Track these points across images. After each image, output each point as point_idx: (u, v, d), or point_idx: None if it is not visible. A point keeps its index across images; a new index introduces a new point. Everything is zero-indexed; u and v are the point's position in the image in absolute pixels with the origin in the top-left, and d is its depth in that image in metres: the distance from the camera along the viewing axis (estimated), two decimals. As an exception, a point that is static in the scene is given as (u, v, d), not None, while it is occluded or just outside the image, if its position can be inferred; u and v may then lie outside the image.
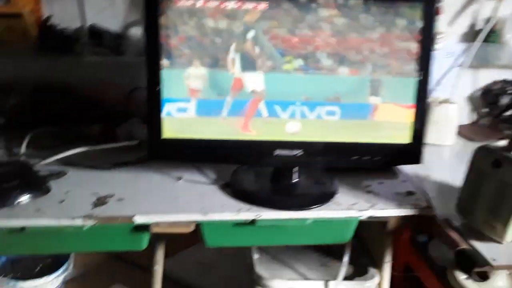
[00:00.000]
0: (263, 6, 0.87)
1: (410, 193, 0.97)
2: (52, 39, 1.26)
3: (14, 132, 1.13)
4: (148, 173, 1.01)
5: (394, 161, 0.97)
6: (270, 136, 0.92)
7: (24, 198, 0.88)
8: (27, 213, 0.85)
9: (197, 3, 0.87)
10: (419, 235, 1.08)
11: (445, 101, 1.27)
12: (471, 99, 1.42)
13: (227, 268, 1.43)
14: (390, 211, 0.91)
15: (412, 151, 0.94)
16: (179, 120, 0.91)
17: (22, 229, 0.85)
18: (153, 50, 0.88)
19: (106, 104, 1.27)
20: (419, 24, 0.90)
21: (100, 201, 0.90)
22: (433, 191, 0.99)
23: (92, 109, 1.24)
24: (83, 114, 1.21)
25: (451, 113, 1.25)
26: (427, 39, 0.91)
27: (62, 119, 1.19)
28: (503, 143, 0.83)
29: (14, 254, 1.25)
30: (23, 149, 1.07)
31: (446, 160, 1.20)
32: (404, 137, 0.93)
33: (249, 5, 0.87)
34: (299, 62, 0.89)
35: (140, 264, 1.35)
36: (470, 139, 1.30)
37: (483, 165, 0.83)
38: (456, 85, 1.33)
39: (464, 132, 1.32)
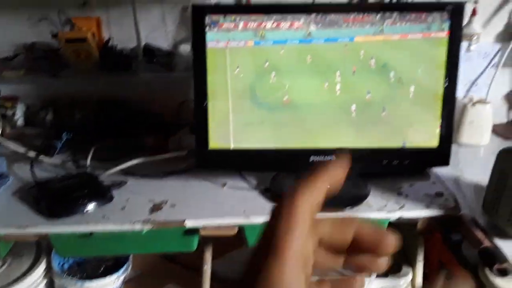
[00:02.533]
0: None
1: (439, 194, 1.03)
2: (112, 59, 1.40)
3: (80, 145, 1.28)
4: (196, 180, 1.13)
5: (423, 164, 1.03)
6: (305, 144, 1.01)
7: (91, 206, 1.02)
8: (95, 220, 0.98)
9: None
10: (452, 234, 1.12)
11: (480, 101, 1.30)
12: (508, 98, 1.43)
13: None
14: (419, 212, 0.98)
15: (440, 154, 1.00)
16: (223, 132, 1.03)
17: (91, 234, 0.98)
18: (200, 68, 0.99)
19: (160, 116, 1.40)
20: (446, 29, 0.95)
21: (156, 207, 1.02)
22: (464, 191, 1.04)
23: (147, 122, 1.37)
24: (139, 127, 1.35)
25: (486, 113, 1.28)
26: (454, 46, 0.96)
27: (121, 132, 1.33)
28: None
29: (83, 256, 1.37)
30: (88, 161, 1.22)
31: (481, 160, 1.23)
32: (431, 141, 0.99)
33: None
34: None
35: (190, 265, 1.43)
36: (506, 138, 1.32)
37: (506, 165, 0.88)
38: (492, 85, 1.35)
39: (500, 131, 1.34)
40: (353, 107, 0.99)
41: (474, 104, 1.28)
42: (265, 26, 0.97)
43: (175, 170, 1.17)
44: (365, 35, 0.96)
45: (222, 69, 0.99)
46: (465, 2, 1.14)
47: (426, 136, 0.99)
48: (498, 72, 1.34)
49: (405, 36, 0.95)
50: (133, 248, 1.07)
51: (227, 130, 1.02)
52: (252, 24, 0.97)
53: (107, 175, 1.16)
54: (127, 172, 1.17)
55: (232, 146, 1.03)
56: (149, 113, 1.41)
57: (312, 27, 0.97)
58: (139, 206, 1.02)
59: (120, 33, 1.41)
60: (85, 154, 1.24)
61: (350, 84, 0.98)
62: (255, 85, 1.00)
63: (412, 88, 0.97)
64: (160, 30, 1.42)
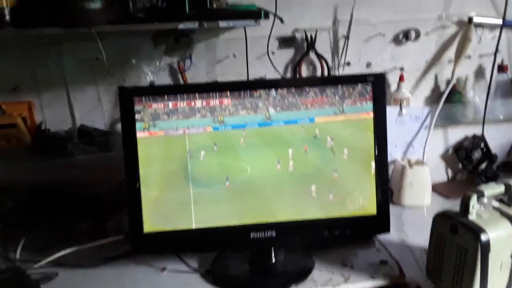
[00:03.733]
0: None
1: (383, 262, 1.01)
2: (46, 142, 1.34)
3: (11, 235, 1.19)
4: (134, 266, 1.06)
5: (363, 232, 1.01)
6: (243, 221, 0.98)
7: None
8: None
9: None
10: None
11: (418, 162, 1.33)
12: (444, 157, 1.47)
13: None
14: (364, 284, 0.95)
15: (379, 221, 0.99)
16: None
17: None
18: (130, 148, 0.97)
19: (97, 200, 1.34)
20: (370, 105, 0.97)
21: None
22: (408, 257, 1.02)
23: (84, 206, 1.30)
24: (75, 212, 1.28)
25: (424, 174, 1.30)
26: (379, 117, 0.98)
27: (56, 219, 1.25)
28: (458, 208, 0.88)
29: None
30: (18, 254, 1.13)
31: (424, 221, 1.23)
32: (369, 208, 0.98)
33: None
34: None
35: None
36: (446, 197, 1.34)
37: (442, 231, 0.88)
38: (427, 146, 1.38)
39: (441, 190, 1.37)
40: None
41: (411, 165, 1.31)
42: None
43: (109, 257, 1.10)
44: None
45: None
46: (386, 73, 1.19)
47: (365, 203, 0.98)
48: (430, 133, 1.39)
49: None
50: None
51: (162, 211, 0.98)
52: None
53: (38, 268, 1.08)
54: (59, 263, 1.09)
55: (168, 228, 0.99)
56: (85, 197, 1.35)
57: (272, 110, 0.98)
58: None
59: (54, 115, 1.37)
60: (15, 245, 1.16)
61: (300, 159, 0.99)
62: (190, 165, 0.98)
63: (346, 155, 0.98)
64: (96, 110, 1.40)
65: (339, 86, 0.97)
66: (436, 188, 1.36)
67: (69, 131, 1.38)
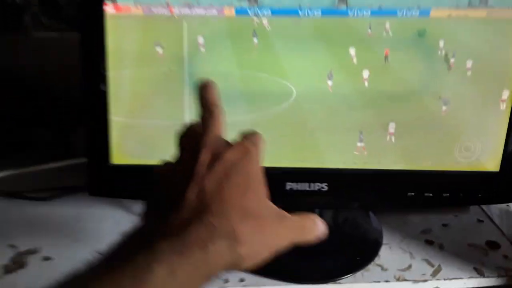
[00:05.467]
0: None
1: (492, 245, 0.63)
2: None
3: None
4: (100, 207, 0.70)
5: (471, 198, 0.62)
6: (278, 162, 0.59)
7: None
8: None
9: None
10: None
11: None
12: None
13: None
14: (463, 282, 0.58)
15: (501, 184, 0.59)
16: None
17: None
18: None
19: (62, 100, 0.95)
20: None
21: (16, 263, 0.59)
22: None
23: (41, 106, 0.92)
24: (27, 114, 0.90)
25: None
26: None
27: (6, 119, 0.88)
28: None
29: None
30: None
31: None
32: (488, 163, 0.59)
33: None
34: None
35: None
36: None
37: None
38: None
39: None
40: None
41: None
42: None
43: (66, 187, 0.73)
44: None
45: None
46: None
47: (483, 154, 0.58)
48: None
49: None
50: None
51: (142, 134, 0.59)
52: None
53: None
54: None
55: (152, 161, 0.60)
56: (45, 93, 0.95)
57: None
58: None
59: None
60: None
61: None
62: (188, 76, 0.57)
63: (470, 73, 0.56)
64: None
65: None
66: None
67: (27, -4, 0.96)
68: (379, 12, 0.54)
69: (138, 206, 0.68)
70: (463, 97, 0.57)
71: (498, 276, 0.58)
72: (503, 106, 0.57)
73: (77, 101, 0.92)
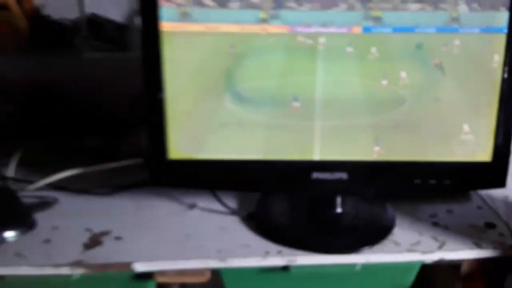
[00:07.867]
0: None
1: (490, 226, 0.75)
2: (45, 33, 1.08)
3: (2, 147, 0.96)
4: (154, 199, 0.82)
5: (468, 184, 0.74)
6: (305, 156, 0.71)
7: (6, 237, 0.71)
8: (5, 258, 0.68)
9: None
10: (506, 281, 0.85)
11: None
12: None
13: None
14: (465, 253, 0.70)
15: (493, 172, 0.71)
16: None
17: (2, 278, 0.68)
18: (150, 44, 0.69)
19: (110, 111, 1.08)
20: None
21: (94, 241, 0.72)
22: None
23: (92, 117, 1.05)
24: (81, 124, 1.03)
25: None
26: None
27: (57, 131, 1.01)
28: None
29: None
30: (13, 171, 0.90)
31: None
32: (481, 154, 0.71)
33: None
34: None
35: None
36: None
37: None
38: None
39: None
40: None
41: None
42: None
43: (125, 184, 0.86)
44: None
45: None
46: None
47: (477, 146, 0.70)
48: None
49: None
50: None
51: (194, 133, 0.72)
52: None
53: (31, 191, 0.85)
54: (59, 186, 0.86)
55: (201, 156, 0.73)
56: (94, 106, 1.08)
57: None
58: (69, 239, 0.72)
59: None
60: (7, 160, 0.92)
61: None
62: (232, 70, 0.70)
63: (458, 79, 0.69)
64: (111, -4, 1.10)
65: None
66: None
67: (76, 21, 1.10)
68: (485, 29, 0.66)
69: (187, 197, 0.82)
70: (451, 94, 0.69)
71: (494, 249, 0.70)
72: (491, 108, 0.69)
73: (125, 114, 1.06)
